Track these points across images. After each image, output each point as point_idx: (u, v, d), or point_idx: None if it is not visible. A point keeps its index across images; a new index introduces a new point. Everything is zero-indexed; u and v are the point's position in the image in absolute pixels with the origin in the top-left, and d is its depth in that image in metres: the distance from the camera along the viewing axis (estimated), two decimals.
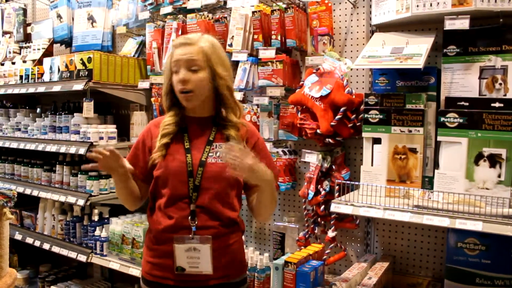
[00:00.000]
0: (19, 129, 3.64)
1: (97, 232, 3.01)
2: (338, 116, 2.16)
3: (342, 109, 2.15)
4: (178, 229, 1.69)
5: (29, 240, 3.44)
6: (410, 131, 1.94)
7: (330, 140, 2.26)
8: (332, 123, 2.16)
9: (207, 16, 2.83)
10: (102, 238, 2.97)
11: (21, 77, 3.59)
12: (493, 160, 1.74)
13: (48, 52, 3.85)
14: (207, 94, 1.73)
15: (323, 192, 2.32)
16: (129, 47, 3.44)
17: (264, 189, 1.69)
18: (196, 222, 1.67)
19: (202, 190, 1.69)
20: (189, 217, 1.68)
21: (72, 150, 2.97)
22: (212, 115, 1.79)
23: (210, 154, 1.72)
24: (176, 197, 1.70)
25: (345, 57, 2.40)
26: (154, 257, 1.75)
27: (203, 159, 1.70)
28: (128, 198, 1.82)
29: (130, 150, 1.87)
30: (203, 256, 1.66)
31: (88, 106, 3.02)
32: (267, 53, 2.51)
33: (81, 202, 2.97)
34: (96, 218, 3.08)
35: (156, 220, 1.75)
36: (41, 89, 3.26)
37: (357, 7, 2.45)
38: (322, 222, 2.43)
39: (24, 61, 3.80)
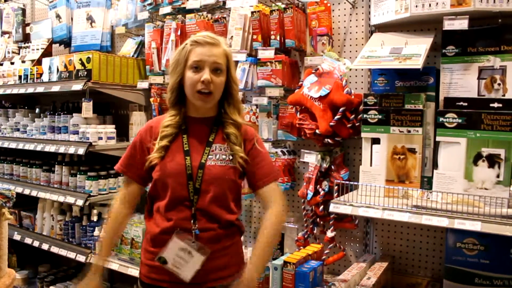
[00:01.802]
0: (18, 129, 3.64)
1: (96, 232, 3.00)
2: (337, 116, 2.16)
3: (341, 109, 2.15)
4: (177, 231, 1.68)
5: (28, 241, 3.44)
6: (409, 131, 1.94)
7: (329, 140, 2.26)
8: (331, 123, 2.17)
9: (206, 16, 2.83)
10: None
11: (20, 77, 3.58)
12: (492, 160, 1.74)
13: (47, 52, 3.85)
14: (219, 97, 1.74)
15: (322, 192, 2.32)
16: (128, 47, 3.44)
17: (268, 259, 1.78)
18: (197, 226, 1.67)
19: (203, 192, 1.68)
20: (191, 221, 1.67)
21: (71, 150, 2.97)
22: (214, 115, 1.79)
23: (209, 156, 1.71)
24: (177, 200, 1.68)
25: (344, 57, 2.40)
26: (151, 260, 1.73)
27: (203, 161, 1.69)
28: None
29: (127, 149, 1.83)
30: (192, 263, 1.64)
31: (87, 106, 3.01)
32: (266, 53, 2.51)
33: (80, 202, 2.96)
34: (95, 218, 3.08)
35: (154, 222, 1.74)
36: (40, 89, 3.26)
37: (356, 7, 2.46)
38: (321, 222, 2.43)
39: (23, 61, 3.79)
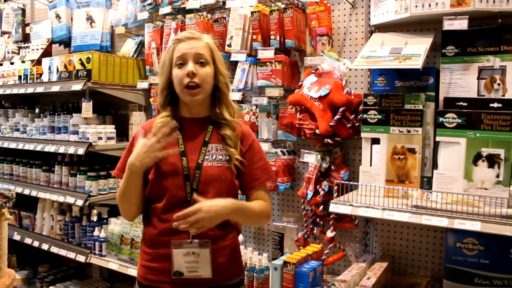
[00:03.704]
0: (18, 129, 3.64)
1: (96, 233, 3.01)
2: (337, 117, 2.16)
3: (341, 109, 2.15)
4: (174, 232, 1.65)
5: (28, 241, 3.44)
6: (409, 131, 1.94)
7: (329, 140, 2.26)
8: (331, 124, 2.17)
9: (206, 17, 2.83)
10: (101, 239, 2.97)
11: (19, 77, 3.59)
12: (492, 160, 1.74)
13: (47, 52, 3.85)
14: (209, 91, 1.73)
15: (322, 192, 2.32)
16: (128, 47, 3.44)
17: (237, 218, 1.71)
18: None
19: (200, 193, 1.66)
20: None
21: (71, 150, 2.97)
22: (208, 115, 1.78)
23: (206, 157, 1.70)
24: (174, 201, 1.67)
25: (344, 57, 2.40)
26: (149, 261, 1.73)
27: (200, 162, 1.68)
28: (137, 202, 1.72)
29: (123, 153, 1.79)
30: (202, 260, 1.65)
31: (87, 106, 3.01)
32: (266, 54, 2.51)
33: (80, 202, 2.97)
34: (95, 218, 3.09)
35: (151, 224, 1.72)
36: (40, 89, 3.26)
37: (356, 8, 2.46)
38: (321, 222, 2.43)
39: (23, 61, 3.80)
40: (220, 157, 1.71)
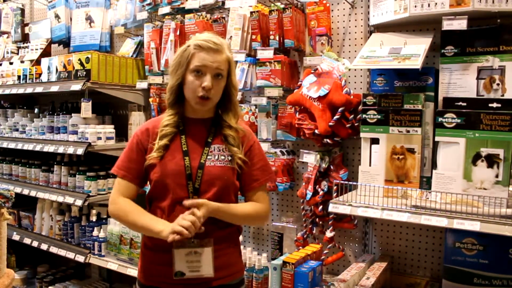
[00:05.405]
0: (17, 130, 3.64)
1: (95, 233, 3.00)
2: (336, 117, 2.16)
3: (340, 109, 2.15)
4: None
5: (27, 241, 3.44)
6: (408, 131, 1.94)
7: (328, 140, 2.26)
8: (330, 124, 2.17)
9: (205, 17, 2.83)
10: (100, 239, 2.97)
11: (19, 77, 3.58)
12: (491, 160, 1.74)
13: (46, 52, 3.85)
14: (218, 101, 1.74)
15: (321, 192, 2.32)
16: (127, 47, 3.44)
17: (223, 217, 1.70)
18: None
19: (202, 193, 1.68)
20: None
21: (70, 150, 2.97)
22: (212, 116, 1.79)
23: (209, 157, 1.71)
24: (176, 201, 1.67)
25: (343, 57, 2.40)
26: (150, 261, 1.74)
27: (202, 162, 1.69)
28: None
29: (124, 151, 1.80)
30: (204, 259, 1.65)
31: (86, 106, 3.01)
32: (265, 54, 2.51)
33: (79, 202, 2.96)
34: (94, 218, 3.08)
35: None
36: (39, 89, 3.26)
37: (355, 8, 2.46)
38: (320, 222, 2.43)
39: (22, 61, 3.79)
40: (223, 157, 1.72)
